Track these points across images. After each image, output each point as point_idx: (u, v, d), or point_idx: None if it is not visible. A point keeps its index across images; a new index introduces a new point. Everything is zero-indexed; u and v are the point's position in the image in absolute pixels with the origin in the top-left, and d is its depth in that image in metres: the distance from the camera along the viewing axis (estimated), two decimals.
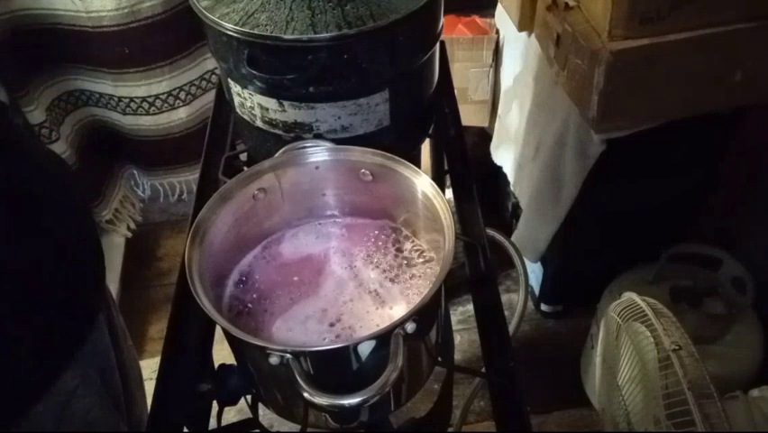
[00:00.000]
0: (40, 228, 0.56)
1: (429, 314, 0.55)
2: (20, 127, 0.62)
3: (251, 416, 0.64)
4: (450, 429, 1.09)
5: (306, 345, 0.57)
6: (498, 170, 1.52)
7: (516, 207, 1.47)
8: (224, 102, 0.90)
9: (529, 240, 1.35)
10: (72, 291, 0.60)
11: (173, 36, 1.26)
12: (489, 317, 0.67)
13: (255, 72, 0.66)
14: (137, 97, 1.32)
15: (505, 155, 1.46)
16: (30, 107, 1.23)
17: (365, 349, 0.50)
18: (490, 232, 0.90)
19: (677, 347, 0.93)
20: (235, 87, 0.73)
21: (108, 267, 0.68)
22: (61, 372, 0.57)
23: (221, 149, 0.86)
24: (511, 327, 1.04)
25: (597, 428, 1.24)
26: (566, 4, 1.03)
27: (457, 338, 1.43)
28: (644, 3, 0.91)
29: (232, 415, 0.64)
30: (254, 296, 0.62)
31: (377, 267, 0.64)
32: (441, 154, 0.89)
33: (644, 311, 1.00)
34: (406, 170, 0.61)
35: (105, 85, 1.31)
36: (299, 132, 0.72)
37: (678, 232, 1.35)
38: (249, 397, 0.63)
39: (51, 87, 1.30)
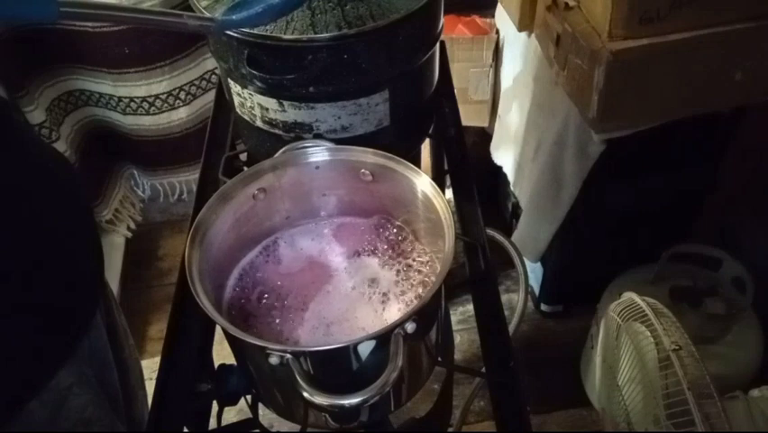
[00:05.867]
0: (40, 227, 0.56)
1: (429, 314, 0.55)
2: (21, 124, 0.62)
3: (251, 416, 0.64)
4: (450, 429, 1.09)
5: (306, 344, 0.57)
6: (498, 170, 1.52)
7: (516, 207, 1.47)
8: (223, 102, 0.90)
9: (529, 240, 1.35)
10: (70, 290, 0.60)
11: (173, 36, 1.26)
12: (489, 317, 0.67)
13: (255, 72, 0.66)
14: (137, 97, 1.32)
15: (505, 155, 1.47)
16: (30, 107, 1.23)
17: (365, 349, 0.50)
18: (490, 232, 0.90)
19: (677, 347, 0.93)
20: (235, 87, 0.73)
21: (108, 267, 0.68)
22: (57, 370, 0.57)
23: (221, 149, 0.86)
24: (511, 327, 1.05)
25: (597, 428, 1.24)
26: (566, 4, 1.03)
27: (457, 338, 1.43)
28: (644, 3, 0.91)
29: (232, 415, 0.64)
30: (254, 296, 0.62)
31: (376, 267, 0.64)
32: (441, 154, 0.89)
33: (644, 311, 1.00)
34: (406, 170, 0.61)
35: (105, 85, 1.31)
36: (299, 132, 0.72)
37: (678, 232, 1.35)
38: (249, 397, 0.63)
39: (51, 87, 1.30)
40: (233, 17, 0.56)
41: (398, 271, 0.63)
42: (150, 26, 0.50)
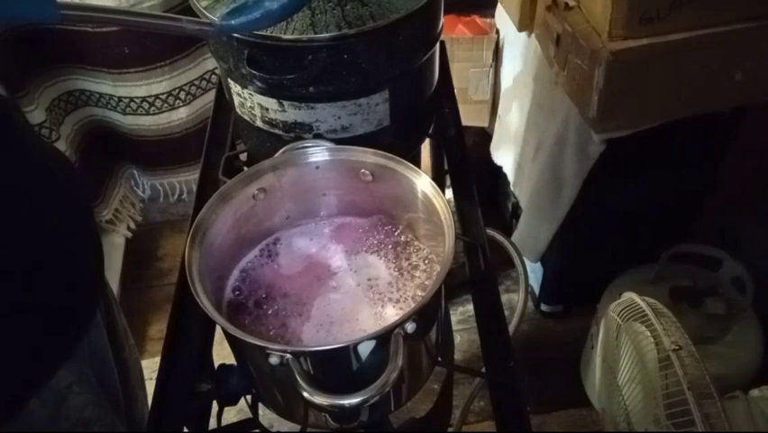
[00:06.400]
0: (40, 227, 0.56)
1: (429, 314, 0.55)
2: (21, 123, 0.62)
3: (251, 416, 0.64)
4: (450, 429, 1.09)
5: (306, 344, 0.57)
6: (498, 170, 1.52)
7: (516, 207, 1.47)
8: (223, 102, 0.90)
9: (529, 240, 1.35)
10: (70, 290, 0.60)
11: (173, 36, 1.26)
12: (489, 317, 0.67)
13: (255, 72, 0.66)
14: (137, 97, 1.32)
15: (505, 155, 1.47)
16: (30, 107, 1.23)
17: (365, 349, 0.50)
18: (490, 232, 0.90)
19: (677, 347, 0.93)
20: (235, 87, 0.73)
21: (108, 267, 0.68)
22: (57, 369, 0.57)
23: (221, 149, 0.86)
24: (511, 327, 1.05)
25: (597, 428, 1.24)
26: (566, 4, 1.03)
27: (457, 338, 1.43)
28: (644, 3, 0.91)
29: (232, 415, 0.64)
30: (254, 296, 0.62)
31: (377, 267, 0.64)
32: (441, 154, 0.89)
33: (644, 311, 1.00)
34: (406, 170, 0.61)
35: (105, 85, 1.31)
36: (299, 132, 0.72)
37: (678, 232, 1.35)
38: (249, 397, 0.63)
39: (51, 87, 1.30)
40: (232, 22, 0.56)
41: (398, 271, 0.63)
42: (149, 29, 0.51)
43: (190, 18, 0.55)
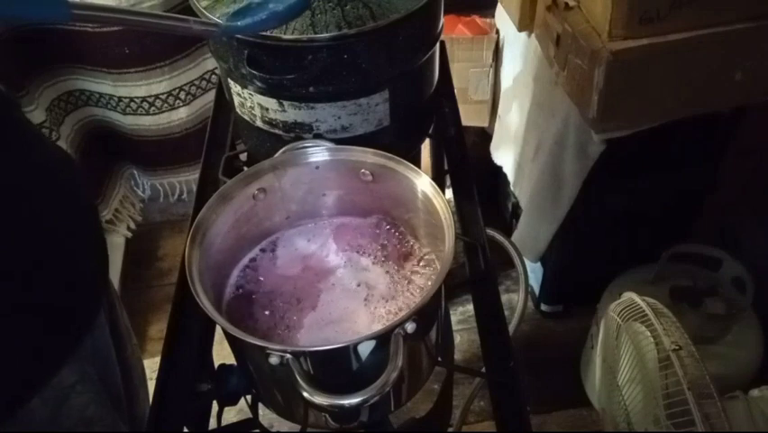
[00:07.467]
0: (40, 227, 0.56)
1: (429, 314, 0.55)
2: (22, 123, 0.63)
3: (251, 416, 0.64)
4: (450, 429, 1.09)
5: (306, 344, 0.57)
6: (498, 170, 1.52)
7: (516, 207, 1.47)
8: (224, 102, 0.90)
9: (529, 240, 1.35)
10: (70, 290, 0.60)
11: (173, 36, 1.26)
12: (489, 317, 0.67)
13: (255, 72, 0.66)
14: (137, 97, 1.32)
15: (505, 155, 1.47)
16: (30, 107, 1.23)
17: (365, 349, 0.50)
18: (490, 232, 0.91)
19: (677, 347, 0.93)
20: (235, 87, 0.73)
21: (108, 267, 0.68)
22: (57, 369, 0.57)
23: (221, 149, 0.86)
24: (511, 327, 1.05)
25: (597, 428, 1.24)
26: (566, 4, 1.03)
27: (457, 338, 1.43)
28: (644, 3, 0.91)
29: (232, 415, 0.64)
30: (254, 296, 0.62)
31: (377, 267, 0.64)
32: (441, 154, 0.90)
33: (644, 311, 1.00)
34: (406, 170, 0.61)
35: (105, 85, 1.31)
36: (299, 132, 0.72)
37: (678, 232, 1.35)
38: (249, 397, 0.63)
39: (51, 87, 1.30)
40: (238, 23, 0.56)
41: (398, 271, 0.63)
42: (156, 30, 0.51)
43: (197, 19, 0.55)
